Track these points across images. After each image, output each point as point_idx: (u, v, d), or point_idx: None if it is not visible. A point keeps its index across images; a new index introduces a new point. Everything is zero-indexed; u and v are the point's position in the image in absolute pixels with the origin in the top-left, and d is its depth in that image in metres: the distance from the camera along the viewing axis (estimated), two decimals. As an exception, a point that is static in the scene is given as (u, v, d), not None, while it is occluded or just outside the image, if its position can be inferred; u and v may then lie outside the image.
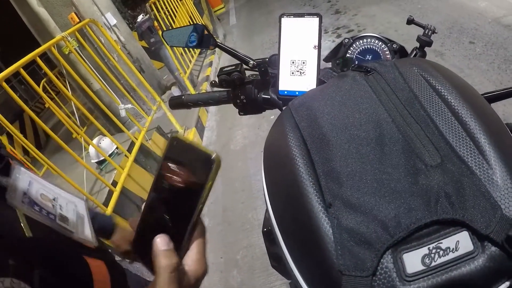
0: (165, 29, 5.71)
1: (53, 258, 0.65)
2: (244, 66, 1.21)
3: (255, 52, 6.49)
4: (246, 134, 4.28)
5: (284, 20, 1.04)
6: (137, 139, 3.81)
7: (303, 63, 1.04)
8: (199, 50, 7.16)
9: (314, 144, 0.72)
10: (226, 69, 1.18)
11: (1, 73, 2.70)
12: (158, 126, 4.51)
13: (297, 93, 1.05)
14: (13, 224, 0.63)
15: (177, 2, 7.12)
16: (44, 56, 3.26)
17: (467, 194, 0.58)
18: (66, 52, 4.30)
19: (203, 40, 1.25)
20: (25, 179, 0.71)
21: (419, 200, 0.59)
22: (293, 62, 1.04)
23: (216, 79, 1.22)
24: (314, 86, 1.03)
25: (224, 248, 3.02)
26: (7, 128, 2.64)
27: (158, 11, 5.87)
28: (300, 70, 1.04)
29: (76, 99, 3.61)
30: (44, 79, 6.44)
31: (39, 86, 4.04)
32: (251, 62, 1.21)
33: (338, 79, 0.86)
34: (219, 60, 6.99)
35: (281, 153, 0.78)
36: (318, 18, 1.01)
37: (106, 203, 3.12)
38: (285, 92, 1.07)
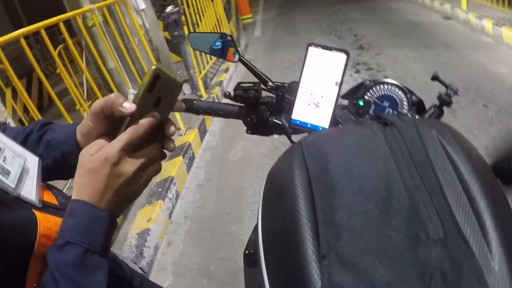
0: (190, 25, 5.73)
1: None
2: (262, 86, 1.20)
3: (272, 69, 6.51)
4: (247, 148, 4.27)
5: (311, 49, 1.01)
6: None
7: (322, 96, 1.02)
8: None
9: (319, 188, 0.71)
10: (243, 85, 1.16)
11: (22, 29, 2.71)
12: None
13: (309, 125, 1.04)
14: None
15: (208, 1, 7.15)
16: (66, 22, 3.26)
17: (463, 275, 0.57)
18: (90, 25, 4.28)
19: (226, 50, 1.25)
20: None
21: (414, 271, 0.58)
22: (311, 94, 1.02)
23: (231, 92, 1.20)
24: (328, 123, 1.01)
25: (200, 255, 2.99)
26: (13, 82, 2.64)
27: (188, 7, 5.88)
28: (317, 103, 1.02)
29: (88, 72, 3.60)
30: (62, 45, 6.42)
31: (55, 50, 4.03)
32: (270, 83, 1.20)
33: (355, 125, 0.86)
34: (236, 68, 7.01)
35: (285, 188, 0.77)
36: (346, 56, 0.98)
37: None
38: (297, 122, 1.06)
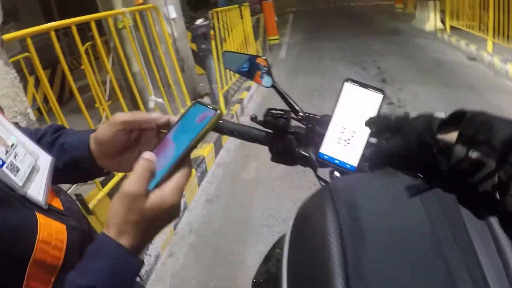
0: (218, 40, 5.77)
1: None
2: (292, 115, 1.17)
3: (292, 93, 6.47)
4: (260, 169, 4.23)
5: (347, 85, 0.99)
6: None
7: (353, 134, 0.98)
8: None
9: (350, 237, 0.67)
10: (274, 111, 1.13)
11: (54, 23, 2.77)
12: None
13: (337, 161, 1.00)
14: None
15: (238, 19, 7.22)
16: (96, 21, 3.31)
17: None
18: (120, 27, 4.33)
19: (253, 73, 1.24)
20: None
21: None
22: (343, 130, 0.99)
23: (258, 116, 1.17)
24: (356, 161, 0.97)
25: (200, 271, 2.94)
26: (37, 72, 2.66)
27: (218, 21, 5.93)
28: (347, 140, 0.99)
29: (112, 73, 3.62)
30: (90, 43, 6.50)
31: (83, 46, 4.07)
32: (301, 113, 1.17)
33: (387, 174, 0.81)
34: (257, 88, 7.04)
35: (315, 232, 0.74)
36: (382, 95, 0.95)
37: (103, 183, 3.08)
38: (325, 157, 1.02)
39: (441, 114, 0.75)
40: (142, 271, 2.77)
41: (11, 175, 0.64)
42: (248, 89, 6.77)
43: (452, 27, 10.00)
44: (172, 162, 0.65)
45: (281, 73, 8.46)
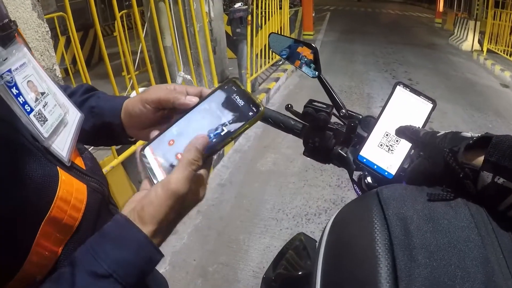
0: (254, 26, 5.72)
1: (4, 146, 0.55)
2: (334, 111, 1.11)
3: (319, 91, 6.44)
4: (277, 161, 4.19)
5: (399, 89, 0.94)
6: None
7: (397, 141, 0.94)
8: (275, 60, 7.20)
9: (402, 254, 0.62)
10: (316, 104, 1.07)
11: None
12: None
13: (375, 166, 0.95)
14: None
15: (277, 8, 7.15)
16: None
17: None
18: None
19: (293, 60, 1.20)
20: (20, 59, 0.63)
21: None
22: (386, 135, 0.95)
23: (291, 105, 1.14)
24: (395, 170, 0.93)
25: (201, 253, 2.92)
26: (69, 32, 2.65)
27: (257, 8, 5.87)
28: (390, 146, 0.94)
29: (144, 43, 3.60)
30: (125, 11, 6.51)
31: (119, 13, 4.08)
32: (344, 111, 1.12)
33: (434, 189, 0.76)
34: (286, 80, 6.98)
35: (360, 243, 0.69)
36: (432, 105, 0.92)
37: (119, 151, 3.07)
38: (364, 160, 0.97)
39: (468, 134, 0.72)
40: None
41: (37, 124, 0.61)
42: (276, 80, 6.73)
43: (489, 50, 9.85)
44: (204, 155, 0.62)
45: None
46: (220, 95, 0.66)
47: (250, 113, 0.62)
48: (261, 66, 6.16)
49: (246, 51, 5.34)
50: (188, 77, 3.99)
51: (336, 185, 3.71)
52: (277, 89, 6.64)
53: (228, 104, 0.64)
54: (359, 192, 1.00)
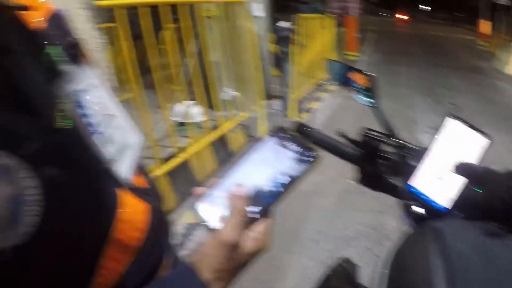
0: (299, 45, 5.74)
1: (74, 165, 0.56)
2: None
3: (362, 113, 6.38)
4: (320, 183, 4.10)
5: (452, 120, 0.93)
6: (223, 125, 3.80)
7: (447, 172, 0.91)
8: (319, 80, 7.21)
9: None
10: (373, 132, 1.11)
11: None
12: (246, 125, 4.49)
13: (424, 196, 0.93)
14: (48, 109, 0.56)
15: (320, 28, 7.18)
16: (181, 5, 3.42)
17: None
18: (204, 15, 4.39)
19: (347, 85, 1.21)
20: (87, 80, 0.65)
21: None
22: (438, 166, 0.93)
23: (342, 130, 1.16)
24: (449, 203, 0.90)
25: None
26: (121, 42, 2.76)
27: (301, 27, 5.91)
28: (441, 178, 0.92)
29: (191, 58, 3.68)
30: (174, 25, 6.68)
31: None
32: (397, 140, 1.12)
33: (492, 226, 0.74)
34: (329, 100, 6.98)
35: (421, 277, 0.69)
36: (488, 141, 0.89)
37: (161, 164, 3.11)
38: (414, 190, 0.95)
39: None
40: (182, 253, 2.79)
41: (102, 145, 0.63)
42: (319, 100, 6.72)
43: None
44: (265, 207, 0.63)
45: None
46: (272, 144, 0.65)
47: (308, 159, 0.62)
48: (304, 86, 6.17)
49: (290, 70, 5.37)
50: (233, 93, 4.02)
51: (378, 210, 3.65)
52: (320, 109, 6.64)
53: (283, 152, 0.64)
54: (408, 222, 1.00)
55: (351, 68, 1.22)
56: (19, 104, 0.51)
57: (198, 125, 3.83)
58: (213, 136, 3.62)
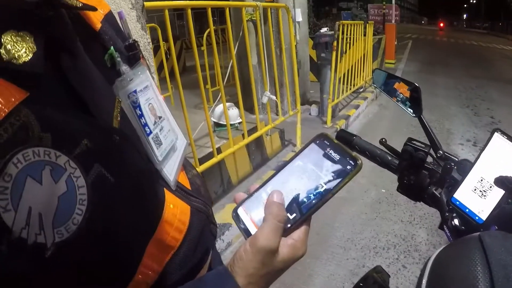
0: (339, 52, 5.75)
1: (127, 165, 0.57)
2: (431, 151, 1.13)
3: (399, 121, 6.34)
4: (352, 190, 4.14)
5: (497, 136, 0.94)
6: (260, 129, 3.84)
7: (490, 187, 0.93)
8: (356, 87, 7.15)
9: None
10: (416, 143, 1.10)
11: (191, 1, 2.96)
12: (283, 129, 4.53)
13: (467, 210, 0.95)
14: (106, 109, 0.58)
15: (361, 36, 7.14)
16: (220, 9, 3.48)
17: None
18: (246, 19, 4.45)
19: (391, 95, 1.23)
20: (144, 81, 0.66)
21: None
22: (481, 180, 0.94)
23: (385, 139, 1.18)
24: (487, 214, 0.92)
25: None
26: (161, 44, 2.79)
27: (342, 33, 5.90)
28: (484, 192, 0.94)
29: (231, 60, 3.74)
30: (214, 27, 6.75)
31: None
32: (441, 152, 1.14)
33: None
34: (365, 109, 6.92)
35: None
36: None
37: (201, 161, 3.19)
38: (457, 203, 0.98)
39: None
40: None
41: (154, 147, 0.63)
42: (356, 107, 6.74)
43: None
44: (304, 214, 0.62)
45: (389, 99, 8.23)
46: (313, 151, 0.65)
47: (348, 167, 0.61)
48: (342, 92, 6.16)
49: (329, 76, 5.38)
50: (273, 97, 4.07)
51: (408, 221, 3.63)
52: (356, 116, 6.62)
53: (323, 160, 0.64)
54: (449, 234, 1.01)
55: (397, 78, 1.25)
56: (79, 104, 0.52)
57: (235, 127, 3.89)
58: (250, 139, 3.67)
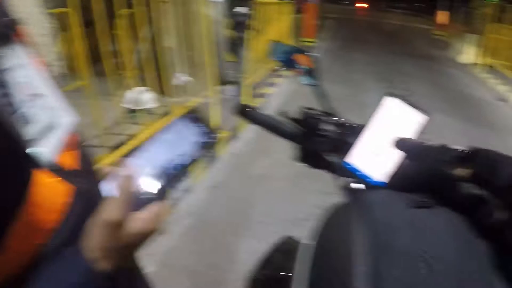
0: (253, 31, 5.76)
1: None
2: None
3: (307, 100, 6.46)
4: (270, 166, 4.21)
5: (389, 99, 0.94)
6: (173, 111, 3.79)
7: (385, 149, 0.92)
8: (273, 66, 7.21)
9: (377, 255, 0.66)
10: (313, 111, 1.12)
11: None
12: (200, 110, 4.45)
13: (360, 172, 0.96)
14: None
15: (277, 14, 7.19)
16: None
17: None
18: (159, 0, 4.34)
19: (291, 66, 1.22)
20: (15, 59, 0.62)
21: None
22: (375, 143, 0.95)
23: (284, 110, 1.17)
24: (381, 175, 0.92)
25: (191, 253, 2.96)
26: (71, 28, 2.74)
27: (257, 12, 5.91)
28: (377, 154, 0.94)
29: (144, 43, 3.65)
30: (128, 10, 6.55)
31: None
32: (336, 118, 1.13)
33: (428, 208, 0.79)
34: (283, 86, 7.02)
35: (345, 246, 0.72)
36: (426, 118, 0.91)
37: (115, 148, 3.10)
38: (349, 166, 0.99)
39: (460, 149, 0.76)
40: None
41: (21, 125, 0.60)
42: (274, 85, 6.77)
43: (486, 64, 9.97)
44: (161, 187, 0.64)
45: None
46: (180, 125, 0.68)
47: (208, 140, 0.66)
48: (259, 71, 6.19)
49: (245, 56, 5.38)
50: (186, 78, 4.01)
51: (327, 192, 3.72)
52: (274, 94, 6.68)
53: (187, 134, 0.67)
54: (349, 198, 1.00)
55: (295, 50, 1.23)
56: None
57: (149, 112, 3.82)
58: (164, 122, 3.61)
